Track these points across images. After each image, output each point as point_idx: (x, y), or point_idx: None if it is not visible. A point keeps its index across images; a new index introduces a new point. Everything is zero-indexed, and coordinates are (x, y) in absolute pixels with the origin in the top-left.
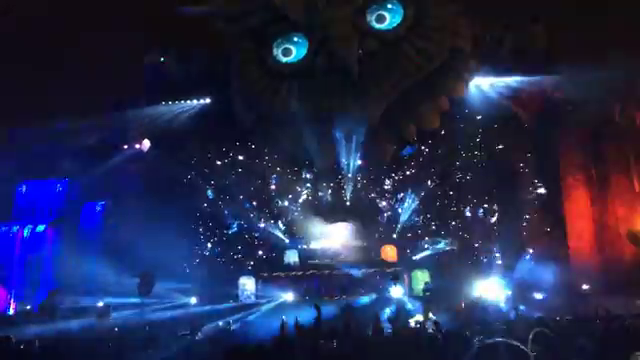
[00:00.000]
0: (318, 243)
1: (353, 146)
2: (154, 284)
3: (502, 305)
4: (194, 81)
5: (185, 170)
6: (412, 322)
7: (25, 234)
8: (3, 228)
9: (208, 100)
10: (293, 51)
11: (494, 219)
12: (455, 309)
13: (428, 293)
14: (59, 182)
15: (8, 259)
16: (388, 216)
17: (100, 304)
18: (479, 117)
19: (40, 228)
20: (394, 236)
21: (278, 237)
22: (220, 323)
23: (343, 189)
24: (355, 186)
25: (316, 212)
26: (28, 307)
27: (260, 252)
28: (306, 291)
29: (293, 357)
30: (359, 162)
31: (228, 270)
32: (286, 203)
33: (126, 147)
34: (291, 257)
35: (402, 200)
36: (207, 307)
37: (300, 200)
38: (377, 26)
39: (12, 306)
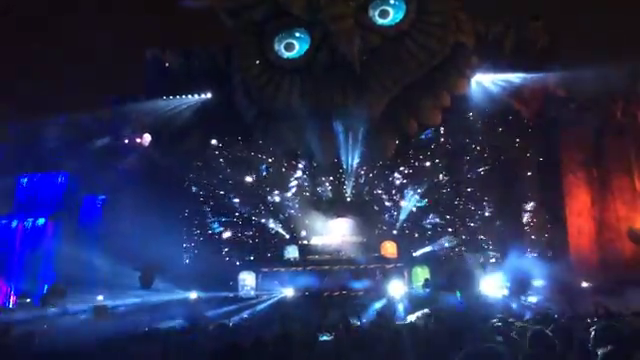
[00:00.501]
0: (318, 238)
1: (354, 141)
2: (155, 277)
3: (502, 301)
4: (195, 76)
5: (185, 164)
6: (412, 317)
7: (25, 227)
8: (3, 221)
9: (209, 95)
10: (296, 46)
11: (494, 216)
12: (455, 304)
13: (428, 289)
14: (59, 175)
15: (8, 252)
16: (388, 212)
17: (100, 297)
18: (480, 114)
19: (40, 221)
20: (394, 232)
21: (278, 232)
22: (219, 318)
23: (344, 184)
24: (356, 182)
25: (316, 207)
26: (28, 300)
27: (260, 247)
28: (306, 286)
29: (291, 352)
30: (360, 157)
31: (228, 265)
32: (286, 198)
33: (127, 141)
34: (291, 252)
35: (403, 196)
36: (206, 302)
37: (300, 195)
38: (380, 21)
39: (12, 300)
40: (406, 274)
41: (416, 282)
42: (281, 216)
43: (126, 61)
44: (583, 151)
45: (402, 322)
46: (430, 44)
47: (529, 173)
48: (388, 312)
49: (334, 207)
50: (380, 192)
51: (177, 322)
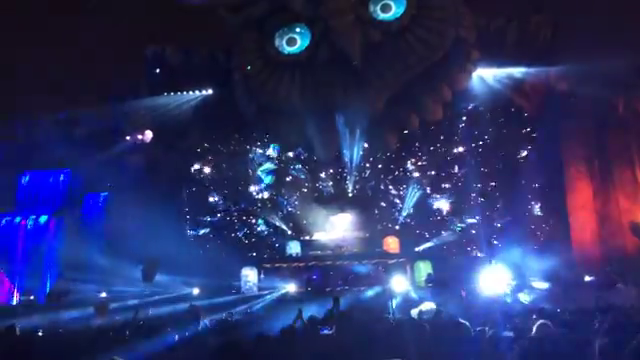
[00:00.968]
0: (320, 234)
1: (355, 136)
2: (157, 271)
3: (504, 296)
4: (196, 73)
5: (187, 160)
6: (414, 312)
7: (28, 225)
8: (6, 219)
9: (210, 91)
10: (298, 41)
11: (496, 211)
12: (457, 299)
13: (430, 284)
14: (61, 173)
15: (11, 250)
16: (390, 207)
17: (103, 294)
18: (481, 108)
19: (43, 219)
20: (396, 227)
21: (280, 228)
22: (222, 314)
23: (345, 180)
24: (357, 177)
25: (318, 203)
26: (32, 297)
27: (262, 243)
28: (308, 282)
29: (294, 347)
30: (361, 152)
31: (230, 261)
32: (288, 194)
33: (128, 138)
34: (293, 248)
35: (405, 191)
36: (209, 298)
37: (302, 191)
38: (381, 16)
39: (15, 296)
40: (409, 269)
41: (419, 277)
42: (283, 212)
43: (127, 59)
44: (585, 145)
45: (405, 317)
46: (431, 39)
47: (531, 167)
48: (390, 307)
49: (336, 202)
50: (382, 187)
51: (180, 317)
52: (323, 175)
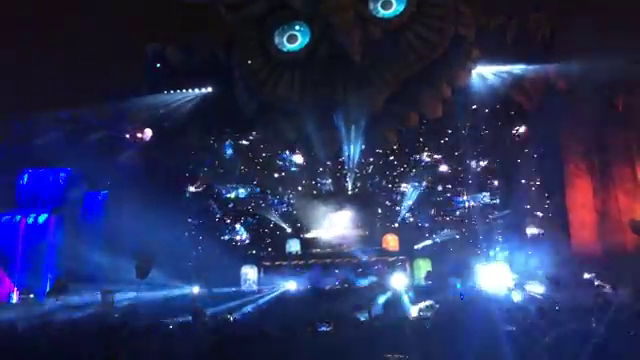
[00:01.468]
0: (320, 232)
1: (355, 134)
2: (151, 268)
3: (504, 293)
4: (196, 71)
5: (187, 158)
6: (414, 310)
7: (28, 223)
8: (6, 217)
9: (210, 89)
10: (299, 38)
11: (496, 208)
12: (456, 297)
13: (430, 282)
14: (61, 171)
15: (11, 248)
16: (390, 205)
17: (105, 290)
18: (481, 105)
19: (42, 217)
20: (396, 225)
21: (280, 226)
22: (221, 312)
23: (345, 178)
24: (357, 175)
25: (318, 201)
26: (32, 295)
27: (262, 241)
28: (308, 280)
29: (295, 343)
30: (361, 150)
31: (230, 259)
32: (288, 192)
33: (128, 136)
34: (293, 246)
35: (404, 189)
36: (209, 296)
37: (302, 189)
38: (382, 13)
39: (15, 294)
40: (408, 267)
41: (418, 274)
42: (283, 210)
43: (127, 57)
44: (584, 142)
45: (405, 314)
46: (430, 37)
47: (530, 164)
48: (391, 305)
49: (336, 200)
50: (381, 185)
51: (180, 316)
52: (320, 169)
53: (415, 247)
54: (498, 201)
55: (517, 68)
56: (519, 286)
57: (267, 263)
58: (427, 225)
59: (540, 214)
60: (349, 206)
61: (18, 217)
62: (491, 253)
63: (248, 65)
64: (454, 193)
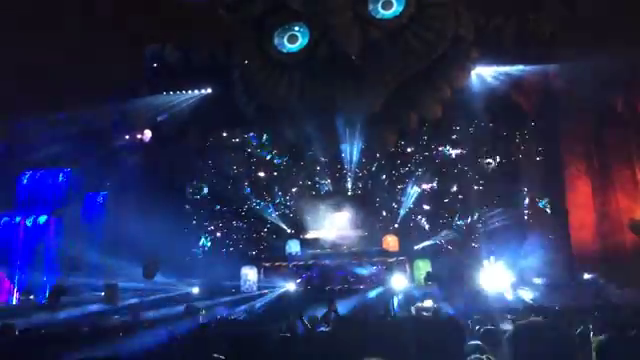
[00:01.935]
0: (320, 232)
1: (354, 135)
2: (159, 268)
3: (505, 293)
4: (195, 71)
5: (186, 159)
6: (413, 309)
7: (27, 224)
8: (5, 218)
9: (209, 90)
10: (299, 38)
11: (495, 209)
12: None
13: (430, 282)
14: (61, 172)
15: (11, 249)
16: (389, 206)
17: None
18: (480, 106)
19: (42, 218)
20: (395, 226)
21: (280, 226)
22: (222, 313)
23: (344, 178)
24: (356, 175)
25: (318, 201)
26: (31, 297)
27: (262, 242)
28: (308, 281)
29: (294, 344)
30: (360, 151)
31: (230, 260)
32: (288, 192)
33: (128, 137)
34: (293, 247)
35: (404, 189)
36: (209, 297)
37: (302, 189)
38: (382, 13)
39: (15, 296)
40: (408, 267)
41: (418, 275)
42: (283, 210)
43: (126, 58)
44: (584, 143)
45: (404, 315)
46: (430, 37)
47: (530, 165)
48: (390, 305)
49: (335, 201)
50: (381, 186)
51: (180, 316)
52: (323, 173)
53: (415, 248)
54: (498, 201)
55: (516, 68)
56: (521, 286)
57: (267, 264)
58: (427, 226)
59: (540, 215)
60: (349, 207)
61: (18, 218)
62: (490, 254)
63: (247, 66)
64: (454, 193)
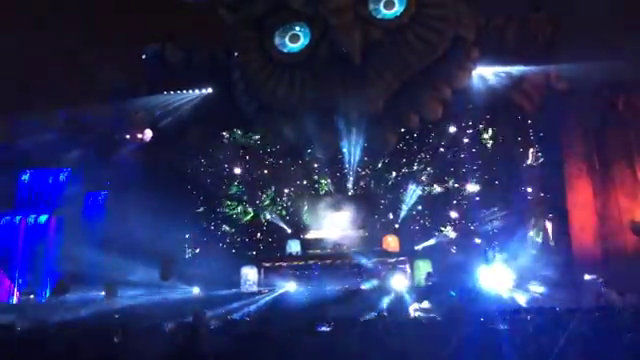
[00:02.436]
0: (320, 232)
1: (355, 135)
2: (174, 269)
3: (504, 294)
4: (195, 71)
5: (187, 159)
6: (412, 309)
7: (28, 224)
8: (6, 218)
9: (210, 90)
10: (301, 38)
11: (496, 209)
12: (456, 297)
13: (430, 283)
14: (61, 172)
15: (11, 249)
16: (390, 206)
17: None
18: (481, 106)
19: (43, 218)
20: (396, 226)
21: (280, 226)
22: (222, 313)
23: (345, 178)
24: (357, 175)
25: (318, 201)
26: (32, 296)
27: (262, 242)
28: (308, 281)
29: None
30: (361, 151)
31: (230, 260)
32: (288, 192)
33: (128, 137)
34: (293, 246)
35: (404, 189)
36: (209, 297)
37: (302, 189)
38: (383, 13)
39: (15, 295)
40: (408, 268)
41: (418, 275)
42: (283, 210)
43: (127, 57)
44: (585, 143)
45: (404, 315)
46: (430, 37)
47: (531, 165)
48: (390, 305)
49: (336, 201)
50: (382, 185)
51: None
52: (324, 173)
53: (415, 248)
54: (497, 201)
55: (517, 69)
56: (522, 287)
57: (267, 264)
58: (428, 226)
59: (540, 215)
60: (349, 207)
61: (18, 217)
62: (490, 255)
63: (248, 66)
64: (454, 193)
